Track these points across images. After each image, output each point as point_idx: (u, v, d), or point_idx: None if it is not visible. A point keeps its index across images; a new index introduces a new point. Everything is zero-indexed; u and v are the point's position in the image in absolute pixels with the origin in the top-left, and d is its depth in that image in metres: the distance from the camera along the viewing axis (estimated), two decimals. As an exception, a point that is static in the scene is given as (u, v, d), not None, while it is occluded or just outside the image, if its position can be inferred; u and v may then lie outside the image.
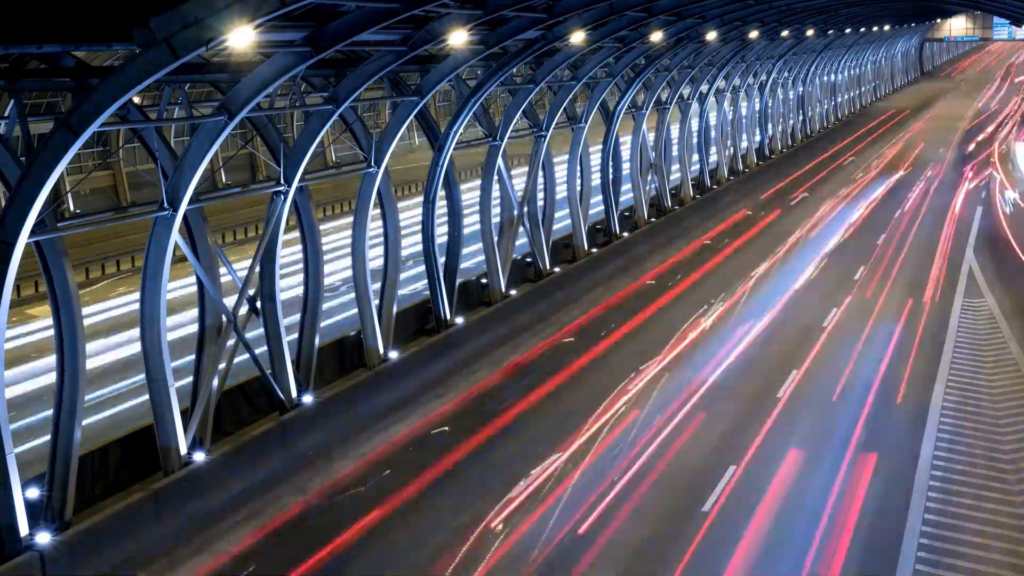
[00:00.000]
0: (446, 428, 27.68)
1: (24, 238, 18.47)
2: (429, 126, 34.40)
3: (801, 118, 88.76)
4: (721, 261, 47.57)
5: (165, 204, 21.79)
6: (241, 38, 18.59)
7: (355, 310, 30.02)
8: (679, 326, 36.55)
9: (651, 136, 53.61)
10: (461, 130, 33.13)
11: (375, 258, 30.46)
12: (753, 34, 52.06)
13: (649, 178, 52.14)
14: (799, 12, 52.78)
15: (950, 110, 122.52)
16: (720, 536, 21.60)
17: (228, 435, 25.05)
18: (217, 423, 24.42)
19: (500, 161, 36.55)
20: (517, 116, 37.13)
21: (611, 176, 47.07)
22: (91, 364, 25.96)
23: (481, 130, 37.04)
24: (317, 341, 27.45)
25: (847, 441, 26.46)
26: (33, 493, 20.01)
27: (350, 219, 29.62)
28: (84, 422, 20.78)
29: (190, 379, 24.21)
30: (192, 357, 24.31)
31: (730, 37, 51.01)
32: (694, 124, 60.54)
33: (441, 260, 33.20)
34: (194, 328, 24.50)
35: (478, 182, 37.11)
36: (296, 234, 27.21)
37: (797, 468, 24.97)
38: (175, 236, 22.00)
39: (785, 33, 60.20)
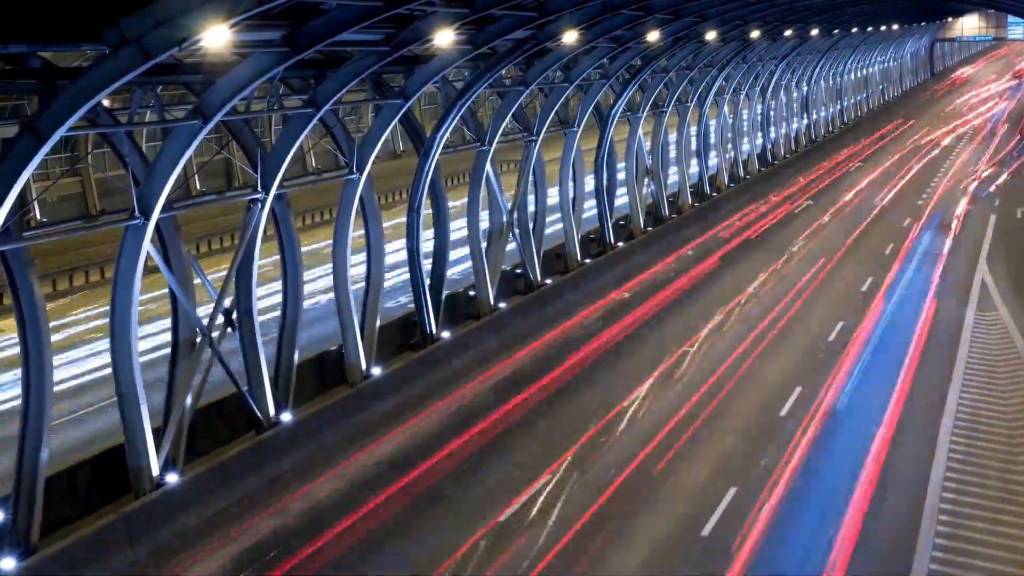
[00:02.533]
0: (431, 447, 27.68)
1: (-12, 248, 18.56)
2: (414, 130, 34.54)
3: (805, 122, 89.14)
4: (726, 271, 47.70)
5: (136, 212, 21.85)
6: (216, 38, 18.71)
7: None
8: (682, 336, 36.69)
9: (647, 141, 53.75)
10: (448, 134, 33.27)
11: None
12: (754, 34, 52.30)
13: (646, 185, 52.30)
14: (802, 11, 53.09)
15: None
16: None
17: (202, 455, 25.10)
18: (191, 443, 24.46)
19: (489, 167, 36.68)
20: (507, 119, 37.29)
21: (605, 183, 47.21)
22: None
23: (469, 134, 37.19)
24: (296, 356, 27.52)
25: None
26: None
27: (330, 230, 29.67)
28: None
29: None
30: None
31: (730, 37, 51.26)
32: (693, 128, 60.76)
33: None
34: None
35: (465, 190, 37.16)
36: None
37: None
38: (147, 246, 22.06)
39: (788, 33, 60.51)
